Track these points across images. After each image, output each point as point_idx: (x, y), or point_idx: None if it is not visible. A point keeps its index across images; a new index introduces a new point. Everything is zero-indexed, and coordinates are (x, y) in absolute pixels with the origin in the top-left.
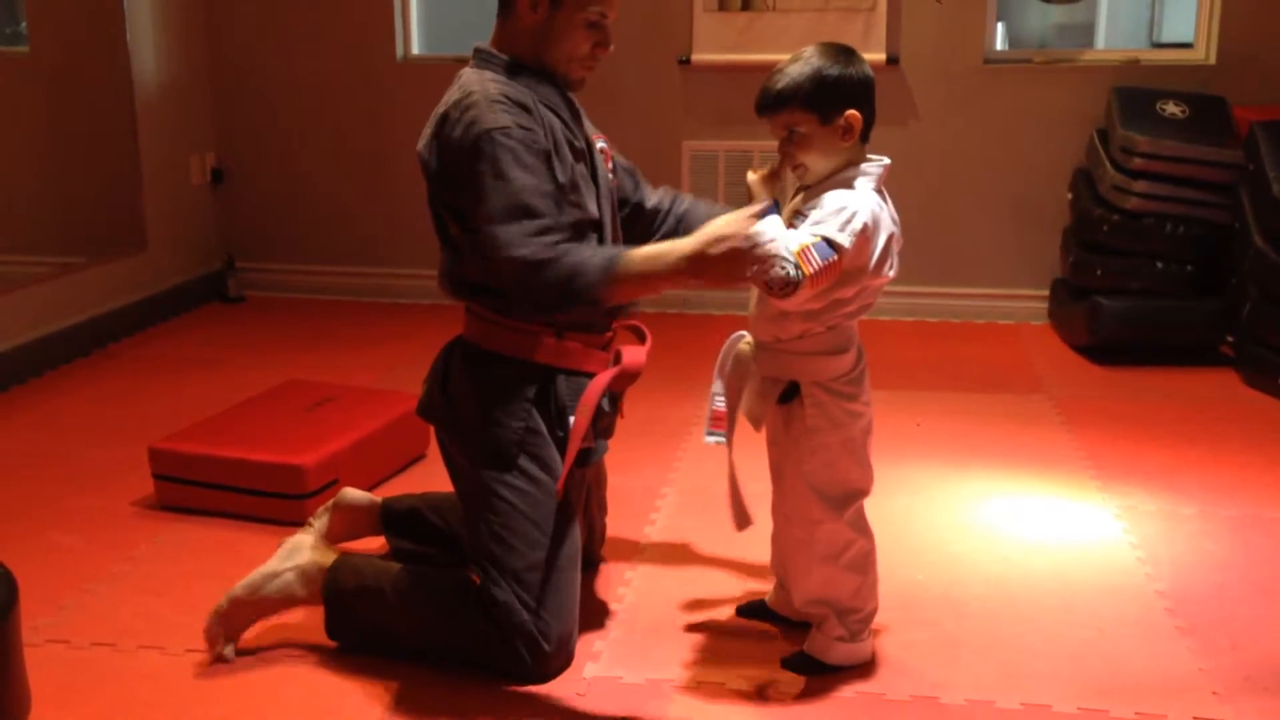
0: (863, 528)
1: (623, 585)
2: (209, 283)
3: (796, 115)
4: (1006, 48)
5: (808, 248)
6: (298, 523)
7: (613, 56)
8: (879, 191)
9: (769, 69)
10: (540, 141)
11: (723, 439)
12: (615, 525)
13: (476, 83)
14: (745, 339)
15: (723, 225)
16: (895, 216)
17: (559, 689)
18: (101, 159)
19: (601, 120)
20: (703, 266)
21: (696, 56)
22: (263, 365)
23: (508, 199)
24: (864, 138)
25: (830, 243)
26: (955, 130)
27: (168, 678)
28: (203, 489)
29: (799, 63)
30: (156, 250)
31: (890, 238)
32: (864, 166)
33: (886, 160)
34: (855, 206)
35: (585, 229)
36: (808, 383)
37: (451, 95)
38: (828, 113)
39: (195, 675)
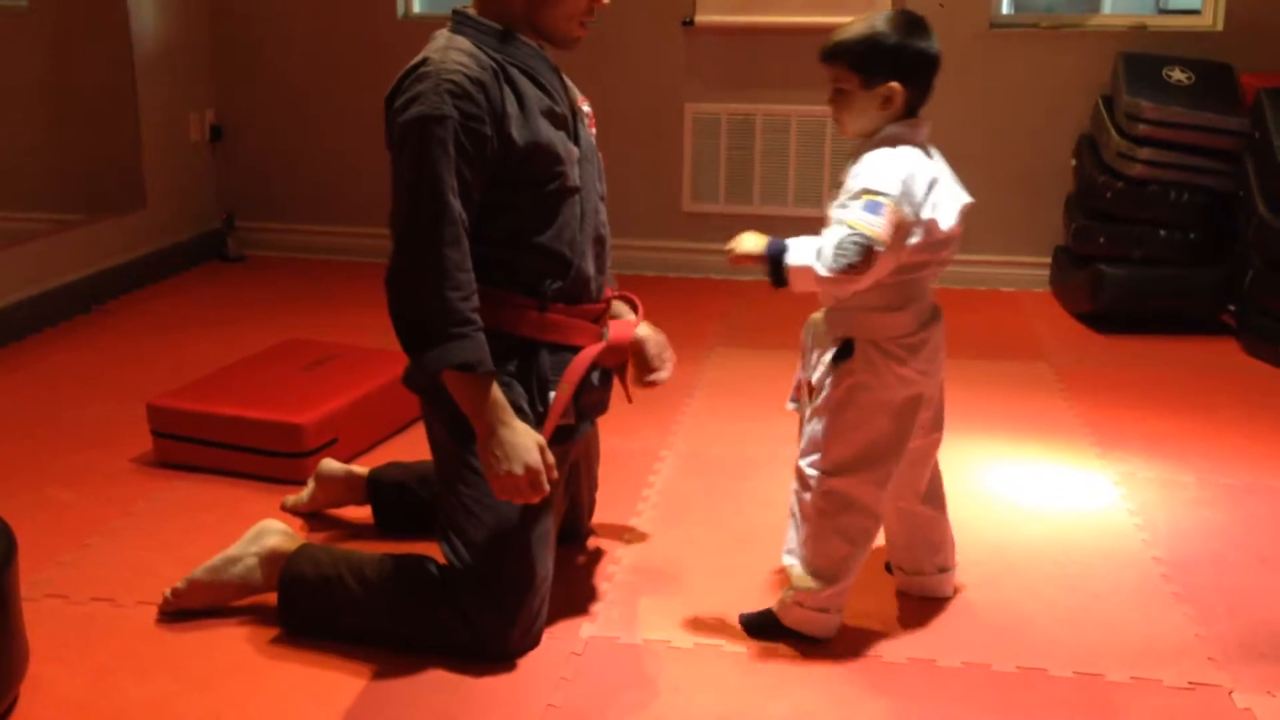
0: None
1: (621, 547)
2: (208, 241)
3: (843, 73)
4: (1013, 11)
5: (857, 223)
6: (296, 481)
7: (615, 17)
8: (921, 146)
9: (773, 31)
10: (482, 130)
11: (797, 406)
12: (613, 487)
13: (439, 50)
14: (815, 316)
15: (515, 452)
16: (951, 173)
17: (555, 649)
18: (100, 115)
19: (603, 81)
20: (484, 453)
21: (700, 18)
22: (262, 324)
23: (423, 191)
24: (912, 112)
25: (872, 198)
26: (959, 94)
27: (165, 633)
28: (201, 446)
29: (864, 22)
30: (155, 208)
31: (932, 184)
32: (903, 129)
33: (927, 124)
34: (886, 158)
35: (567, 195)
36: (862, 341)
37: (415, 59)
38: (871, 78)
39: (193, 631)
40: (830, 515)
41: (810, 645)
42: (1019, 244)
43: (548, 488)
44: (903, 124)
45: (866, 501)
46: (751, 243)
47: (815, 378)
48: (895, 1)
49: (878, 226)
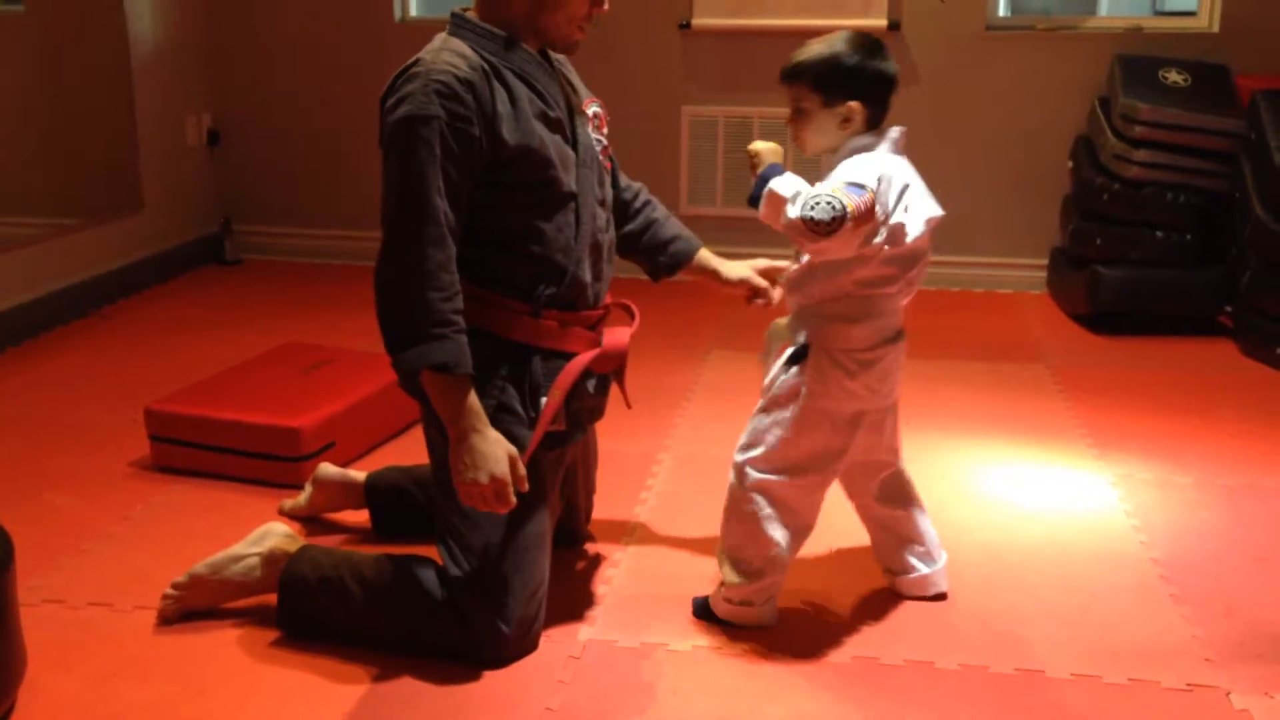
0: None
1: (619, 550)
2: (206, 245)
3: (803, 92)
4: (1009, 14)
5: (839, 191)
6: (293, 485)
7: (612, 20)
8: (897, 154)
9: (769, 34)
10: (470, 130)
11: None
12: (611, 491)
13: (433, 52)
14: (780, 320)
15: (489, 459)
16: (923, 184)
17: (553, 653)
18: (97, 119)
19: (601, 84)
20: (454, 458)
21: (697, 21)
22: (260, 328)
23: (408, 191)
24: (873, 126)
25: (853, 184)
26: (956, 97)
27: (163, 637)
28: (199, 450)
29: (824, 43)
30: (153, 212)
31: (904, 189)
32: (871, 139)
33: (896, 130)
34: (863, 159)
35: (562, 200)
36: (816, 348)
37: (410, 60)
38: (831, 97)
39: (191, 635)
40: (759, 512)
41: (807, 648)
42: (1016, 246)
43: (514, 500)
44: (870, 135)
45: (794, 505)
46: (765, 149)
47: (768, 378)
48: (891, 6)
49: (855, 202)
